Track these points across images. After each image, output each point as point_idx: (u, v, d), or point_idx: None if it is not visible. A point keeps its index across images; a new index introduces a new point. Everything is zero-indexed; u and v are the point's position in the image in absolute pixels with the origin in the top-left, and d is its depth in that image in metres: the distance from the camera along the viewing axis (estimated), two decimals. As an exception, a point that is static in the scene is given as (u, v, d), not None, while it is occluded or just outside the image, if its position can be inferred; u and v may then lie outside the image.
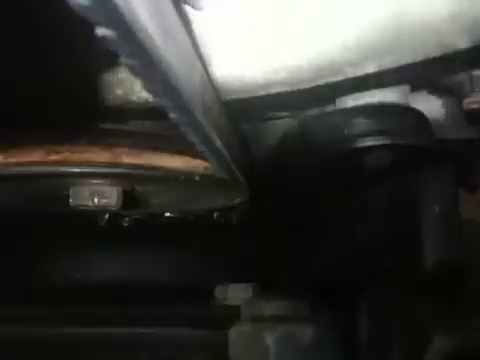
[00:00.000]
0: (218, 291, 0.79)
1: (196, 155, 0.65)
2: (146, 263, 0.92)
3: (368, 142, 0.64)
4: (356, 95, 0.64)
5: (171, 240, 0.91)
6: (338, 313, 0.70)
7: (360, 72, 0.51)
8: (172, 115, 0.45)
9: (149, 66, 0.33)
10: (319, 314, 0.70)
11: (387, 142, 0.63)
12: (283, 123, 0.74)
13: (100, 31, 0.30)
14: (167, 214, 0.84)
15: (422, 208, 0.74)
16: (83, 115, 0.57)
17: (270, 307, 0.70)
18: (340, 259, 0.83)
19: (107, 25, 0.29)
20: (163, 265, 0.91)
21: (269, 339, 0.67)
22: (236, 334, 0.70)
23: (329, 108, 0.68)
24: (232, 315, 0.72)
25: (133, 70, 0.34)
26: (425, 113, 0.68)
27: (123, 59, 0.33)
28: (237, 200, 0.76)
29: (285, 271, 0.84)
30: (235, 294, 0.77)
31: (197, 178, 0.64)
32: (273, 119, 0.73)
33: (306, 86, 0.53)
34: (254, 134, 0.75)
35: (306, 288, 0.77)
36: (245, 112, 0.69)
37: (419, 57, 0.50)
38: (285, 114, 0.72)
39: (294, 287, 0.79)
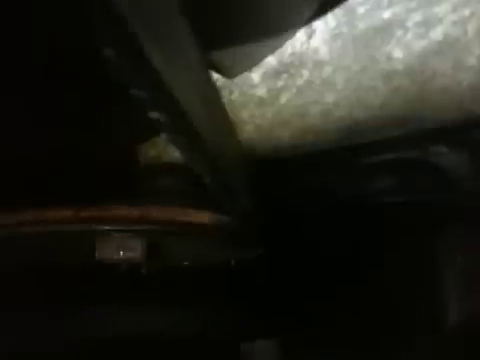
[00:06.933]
0: (244, 348, 0.78)
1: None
2: (163, 317, 0.90)
3: (388, 199, 0.65)
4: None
5: (188, 291, 0.89)
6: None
7: (384, 135, 0.53)
8: (206, 179, 0.46)
9: (194, 143, 0.35)
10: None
11: (407, 199, 0.64)
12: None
13: (153, 115, 0.32)
14: (185, 263, 0.84)
15: (444, 262, 0.74)
16: (116, 174, 0.59)
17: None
18: (357, 318, 0.82)
19: (160, 110, 0.31)
20: (182, 319, 0.89)
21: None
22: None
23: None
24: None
25: (177, 145, 0.36)
26: (447, 167, 0.69)
27: (167, 137, 0.35)
28: (258, 251, 0.76)
29: (311, 326, 0.82)
30: (263, 353, 0.75)
31: (223, 232, 0.65)
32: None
33: (331, 147, 0.55)
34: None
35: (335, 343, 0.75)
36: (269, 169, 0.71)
37: (441, 120, 0.52)
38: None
39: (325, 342, 0.78)
